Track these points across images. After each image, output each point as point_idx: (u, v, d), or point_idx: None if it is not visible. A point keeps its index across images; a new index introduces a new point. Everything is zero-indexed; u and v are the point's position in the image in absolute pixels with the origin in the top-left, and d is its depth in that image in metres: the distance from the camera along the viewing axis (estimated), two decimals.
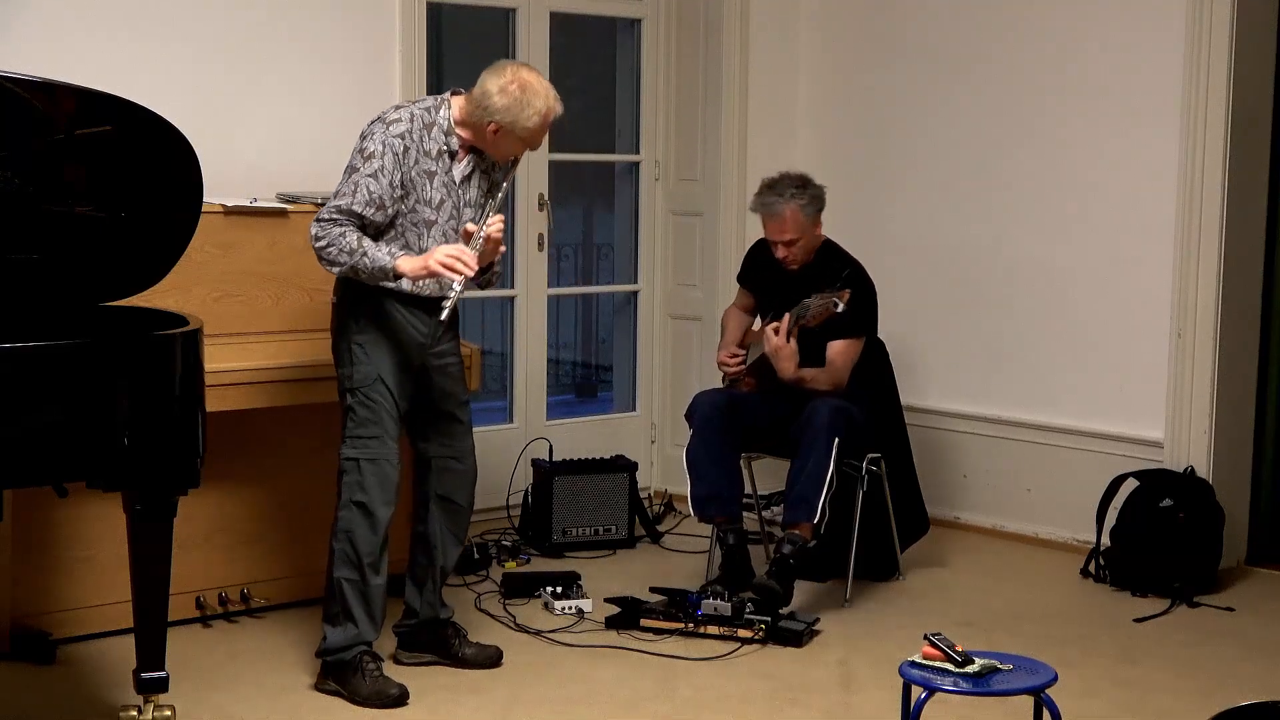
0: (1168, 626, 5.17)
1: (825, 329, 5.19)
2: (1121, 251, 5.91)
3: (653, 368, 6.98)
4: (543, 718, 4.31)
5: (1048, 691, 3.48)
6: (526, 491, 6.10)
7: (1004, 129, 6.21)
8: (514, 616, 5.09)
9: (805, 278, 5.31)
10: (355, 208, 4.23)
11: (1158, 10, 5.74)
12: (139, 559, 3.81)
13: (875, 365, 5.44)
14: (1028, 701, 3.55)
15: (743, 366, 5.49)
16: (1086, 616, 5.27)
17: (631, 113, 6.93)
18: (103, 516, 4.54)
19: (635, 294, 6.99)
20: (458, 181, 4.38)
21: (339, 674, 4.38)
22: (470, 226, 4.30)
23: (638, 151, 6.91)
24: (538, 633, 4.94)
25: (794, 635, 4.87)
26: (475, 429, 4.68)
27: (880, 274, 5.41)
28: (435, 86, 5.93)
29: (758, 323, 5.68)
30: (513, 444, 6.31)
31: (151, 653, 3.84)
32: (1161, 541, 5.45)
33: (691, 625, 4.92)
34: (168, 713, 3.87)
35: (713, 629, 4.91)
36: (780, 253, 5.31)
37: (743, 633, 4.88)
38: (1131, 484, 5.62)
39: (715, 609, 4.92)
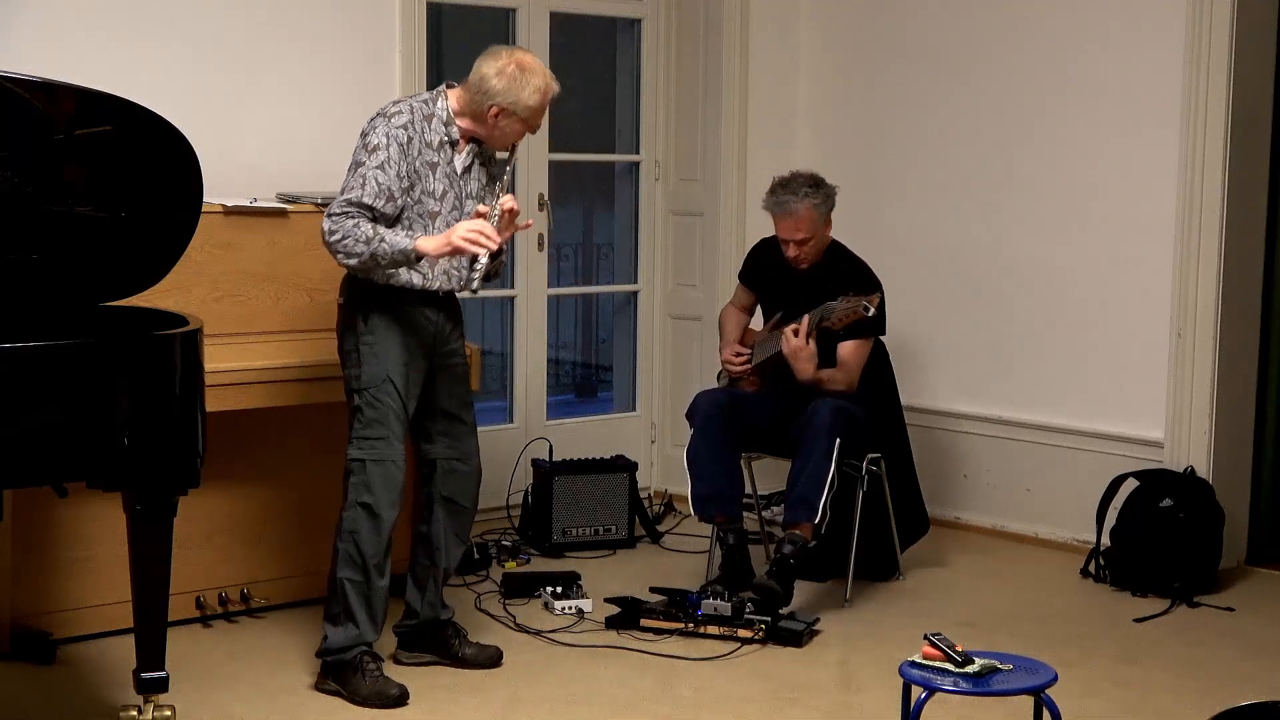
0: (1168, 626, 5.17)
1: (846, 331, 5.19)
2: (1121, 251, 5.91)
3: (653, 368, 6.98)
4: (543, 718, 4.31)
5: (1048, 691, 3.48)
6: (526, 491, 6.10)
7: (1004, 129, 6.22)
8: (514, 616, 5.09)
9: (813, 278, 5.31)
10: (366, 200, 4.23)
11: (1158, 10, 5.74)
12: (139, 559, 3.81)
13: (875, 365, 5.44)
14: (1028, 701, 3.55)
15: (747, 366, 5.49)
16: (1086, 616, 5.27)
17: (631, 113, 6.93)
18: (103, 516, 4.54)
19: (635, 294, 6.99)
20: (459, 172, 4.40)
21: (339, 674, 4.38)
22: (482, 207, 4.31)
23: (638, 151, 6.92)
24: (538, 633, 4.94)
25: (794, 635, 4.87)
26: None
27: (880, 274, 5.41)
28: (435, 86, 5.92)
29: (756, 322, 5.69)
30: (513, 444, 6.31)
31: (151, 653, 3.84)
32: (1161, 541, 5.45)
33: (691, 625, 4.92)
34: (168, 713, 3.87)
35: (713, 629, 4.91)
36: (791, 252, 5.31)
37: (743, 633, 4.88)
38: (1131, 484, 5.62)
39: (715, 609, 4.92)
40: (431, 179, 4.34)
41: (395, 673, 4.48)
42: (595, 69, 7.29)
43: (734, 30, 6.64)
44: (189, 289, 4.76)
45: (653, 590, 5.18)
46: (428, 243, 4.22)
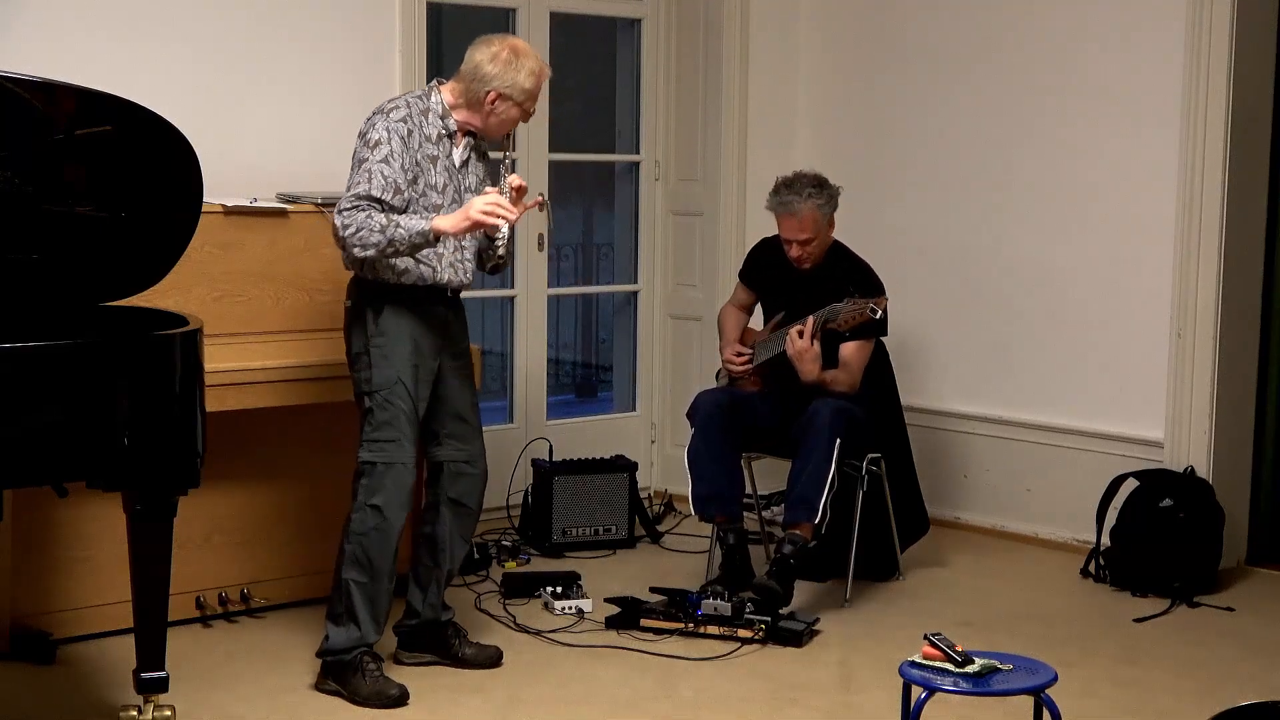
0: (1168, 626, 5.17)
1: (850, 333, 5.19)
2: (1121, 251, 5.91)
3: (653, 368, 6.98)
4: (543, 718, 4.31)
5: (1048, 691, 3.48)
6: (526, 491, 6.10)
7: (1004, 129, 6.21)
8: (514, 616, 5.09)
9: (815, 278, 5.31)
10: (375, 193, 4.23)
11: (1158, 10, 5.74)
12: (139, 559, 3.81)
13: (876, 365, 5.44)
14: (1028, 701, 3.55)
15: (749, 366, 5.49)
16: (1086, 616, 5.27)
17: (631, 113, 6.93)
18: (103, 516, 4.54)
19: (635, 294, 6.99)
20: (457, 166, 4.41)
21: (339, 674, 4.38)
22: (490, 188, 4.31)
23: (638, 151, 6.92)
24: (538, 633, 4.94)
25: (794, 635, 4.87)
26: None
27: (880, 274, 5.40)
28: None
29: (756, 321, 5.68)
30: (513, 444, 6.31)
31: (151, 653, 3.84)
32: (1161, 541, 5.45)
33: (691, 625, 4.92)
34: (168, 713, 3.87)
35: (713, 629, 4.91)
36: (795, 252, 5.31)
37: (743, 633, 4.88)
38: (1131, 484, 5.62)
39: (715, 609, 4.92)
40: (433, 172, 4.35)
41: (395, 673, 4.48)
42: (595, 69, 7.30)
43: (734, 30, 6.64)
44: (189, 289, 4.76)
45: (653, 590, 5.18)
46: (445, 221, 4.23)
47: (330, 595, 4.45)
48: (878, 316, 5.05)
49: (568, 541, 5.95)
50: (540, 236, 6.58)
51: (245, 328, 4.93)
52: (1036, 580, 5.70)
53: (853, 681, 4.61)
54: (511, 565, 5.69)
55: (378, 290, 4.36)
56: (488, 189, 4.33)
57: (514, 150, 4.46)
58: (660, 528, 6.25)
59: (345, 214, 4.21)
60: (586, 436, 6.66)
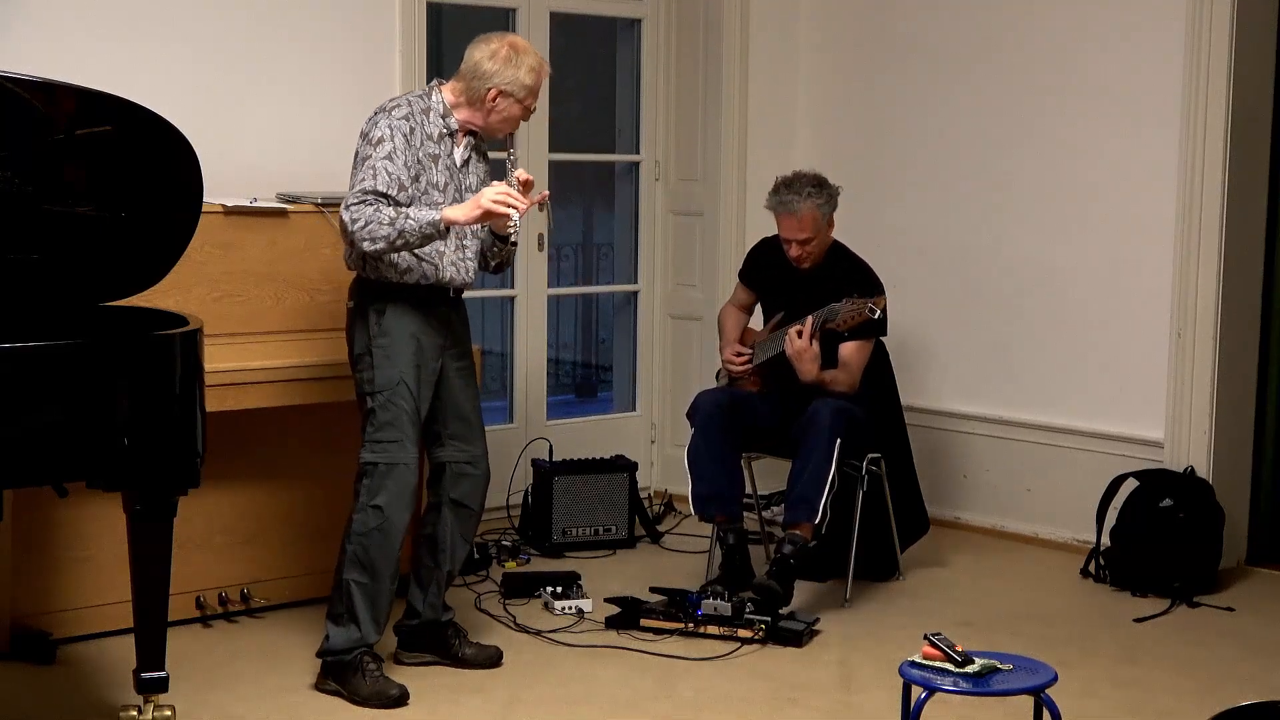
0: (1168, 626, 5.17)
1: (849, 332, 5.19)
2: (1121, 251, 5.91)
3: (653, 368, 6.98)
4: (543, 718, 4.31)
5: (1048, 691, 3.48)
6: (526, 491, 6.10)
7: (1004, 129, 6.22)
8: (514, 616, 5.09)
9: (815, 278, 5.31)
10: (380, 188, 4.23)
11: (1158, 10, 5.74)
12: (139, 559, 3.81)
13: (875, 365, 5.44)
14: (1028, 701, 3.55)
15: (749, 366, 5.49)
16: (1086, 616, 5.27)
17: (631, 113, 6.93)
18: (103, 516, 4.54)
19: (635, 294, 6.99)
20: (458, 165, 4.41)
21: (339, 674, 4.38)
22: (495, 184, 4.32)
23: (638, 151, 6.92)
24: (538, 633, 4.94)
25: (794, 635, 4.87)
26: None
27: (880, 274, 5.40)
28: None
29: (756, 321, 5.68)
30: (513, 444, 6.31)
31: (151, 653, 3.84)
32: (1161, 541, 5.45)
33: (691, 625, 4.92)
34: (168, 713, 3.87)
35: (713, 629, 4.91)
36: (794, 252, 5.31)
37: (743, 633, 4.88)
38: (1131, 484, 5.62)
39: (715, 609, 4.92)
40: (434, 171, 4.35)
41: (395, 673, 4.48)
42: (595, 69, 7.30)
43: (734, 30, 6.64)
44: (189, 289, 4.76)
45: (653, 590, 5.18)
46: (455, 211, 4.23)
47: (331, 595, 4.45)
48: (876, 316, 5.05)
49: (568, 541, 5.95)
50: (540, 236, 6.58)
51: (245, 328, 4.93)
52: (1036, 580, 5.70)
53: (853, 681, 4.61)
54: (511, 565, 5.69)
55: (380, 290, 4.36)
56: (493, 184, 4.33)
57: (515, 149, 4.47)
58: (660, 528, 6.25)
59: (353, 209, 4.21)
60: (586, 436, 6.66)
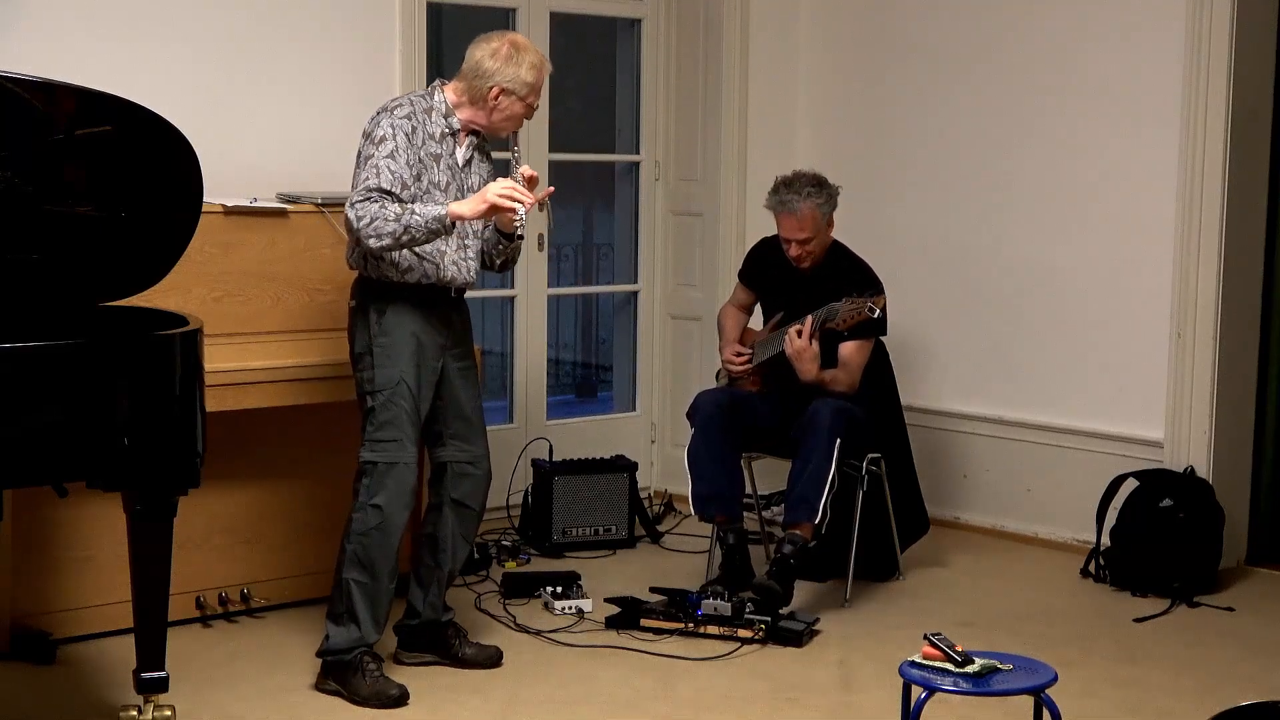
0: (1168, 626, 5.17)
1: (849, 332, 5.19)
2: (1121, 251, 5.91)
3: (653, 368, 6.98)
4: (543, 718, 4.31)
5: (1048, 691, 3.48)
6: (526, 491, 6.11)
7: (1004, 129, 6.22)
8: (514, 616, 5.09)
9: (816, 279, 5.32)
10: (384, 185, 4.23)
11: (1158, 10, 5.74)
12: (139, 559, 3.81)
13: (875, 365, 5.44)
14: (1028, 701, 3.55)
15: (748, 366, 5.49)
16: (1086, 616, 5.27)
17: (631, 113, 6.93)
18: (103, 516, 4.54)
19: (635, 294, 6.99)
20: (460, 165, 4.41)
21: (339, 674, 4.38)
22: (500, 179, 4.33)
23: (638, 151, 6.92)
24: (538, 633, 4.94)
25: (794, 635, 4.87)
26: None
27: (880, 274, 5.41)
28: None
29: (755, 321, 5.68)
30: (513, 444, 6.31)
31: (151, 653, 3.84)
32: (1161, 541, 5.45)
33: (691, 625, 4.92)
34: (168, 713, 3.86)
35: (713, 629, 4.91)
36: (794, 251, 5.32)
37: (743, 633, 4.88)
38: (1131, 484, 5.62)
39: (715, 609, 4.92)
40: (436, 170, 4.35)
41: (395, 673, 4.48)
42: (595, 69, 7.30)
43: (734, 30, 6.64)
44: (189, 289, 4.75)
45: (653, 590, 5.18)
46: (461, 206, 4.24)
47: (331, 595, 4.46)
48: (876, 315, 5.06)
49: (568, 541, 5.95)
50: (540, 236, 6.58)
51: (245, 328, 4.93)
52: (1036, 580, 5.70)
53: (853, 681, 4.61)
54: (511, 565, 5.69)
55: (381, 290, 4.36)
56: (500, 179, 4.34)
57: (518, 146, 4.47)
58: (660, 528, 6.25)
59: (358, 206, 4.20)
60: (586, 436, 6.66)
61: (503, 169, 4.50)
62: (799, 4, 6.83)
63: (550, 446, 6.18)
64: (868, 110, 6.65)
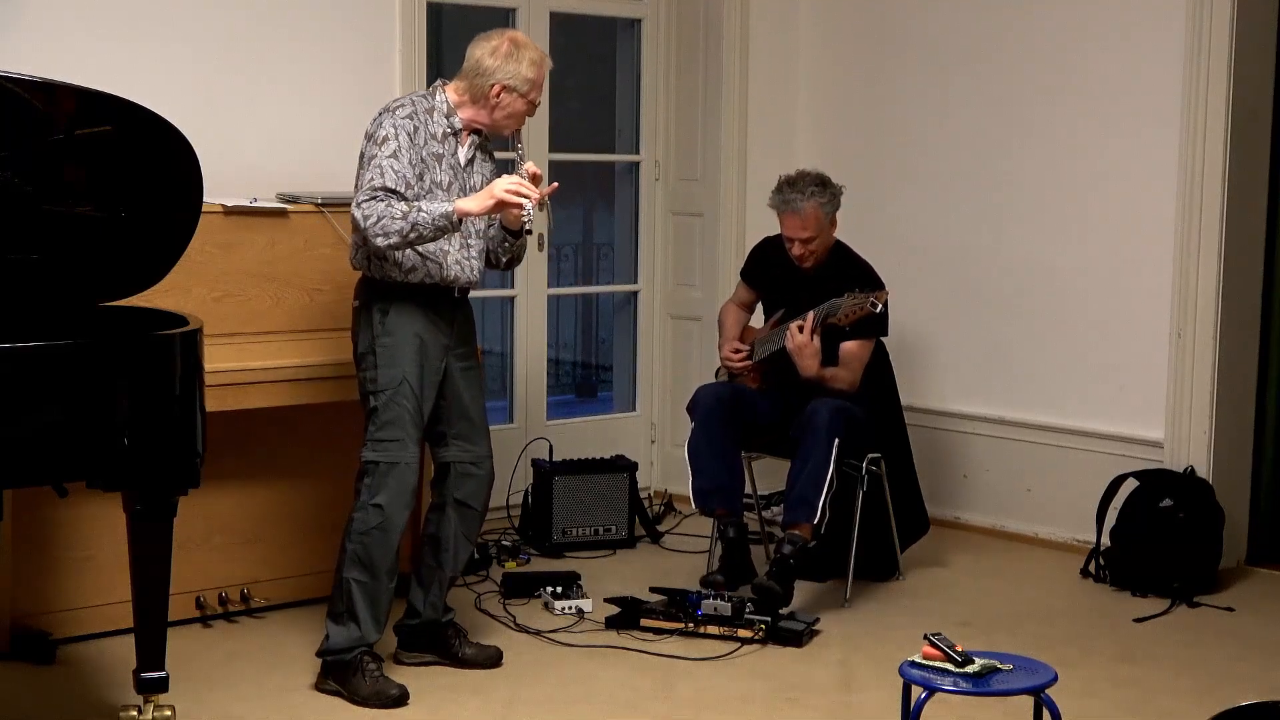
0: (1168, 626, 5.17)
1: (851, 329, 5.19)
2: (1121, 251, 5.91)
3: (653, 368, 6.98)
4: (543, 718, 4.31)
5: (1048, 691, 3.48)
6: (526, 491, 6.11)
7: (1004, 129, 6.22)
8: (514, 616, 5.09)
9: (818, 278, 5.32)
10: (389, 184, 4.23)
11: (1158, 10, 5.74)
12: (139, 559, 3.81)
13: (875, 365, 5.44)
14: (1028, 701, 3.55)
15: (747, 362, 5.49)
16: (1086, 616, 5.27)
17: (631, 113, 6.93)
18: (103, 516, 4.54)
19: (635, 294, 6.99)
20: (462, 164, 4.41)
21: (339, 674, 4.38)
22: (506, 176, 4.34)
23: (638, 151, 6.92)
24: (538, 633, 4.94)
25: (794, 635, 4.87)
26: None
27: (880, 273, 5.41)
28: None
29: (755, 320, 5.69)
30: (513, 444, 6.31)
31: (151, 653, 3.84)
32: (1161, 541, 5.45)
33: (691, 625, 4.92)
34: (168, 713, 3.86)
35: (713, 629, 4.91)
36: (797, 250, 5.32)
37: (743, 633, 4.88)
38: (1131, 484, 5.62)
39: (715, 609, 4.92)
40: (438, 170, 4.36)
41: (395, 673, 4.48)
42: (595, 69, 7.30)
43: (734, 30, 6.65)
44: (189, 289, 4.76)
45: (653, 590, 5.18)
46: (468, 202, 4.24)
47: (331, 594, 4.46)
48: (878, 311, 5.06)
49: (568, 541, 5.95)
50: (540, 236, 6.58)
51: (245, 328, 4.93)
52: (1036, 580, 5.70)
53: (853, 681, 4.61)
54: (511, 565, 5.69)
55: (385, 290, 4.37)
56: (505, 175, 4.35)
57: (522, 144, 4.48)
58: (660, 527, 6.25)
59: (364, 205, 4.21)
60: (586, 436, 6.67)
61: (504, 168, 4.50)
62: (799, 4, 6.83)
63: (550, 446, 6.18)
64: (868, 110, 6.65)
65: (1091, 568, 5.66)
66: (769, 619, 4.90)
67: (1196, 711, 4.15)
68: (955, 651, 3.49)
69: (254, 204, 5.01)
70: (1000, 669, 3.51)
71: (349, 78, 5.70)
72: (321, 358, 4.90)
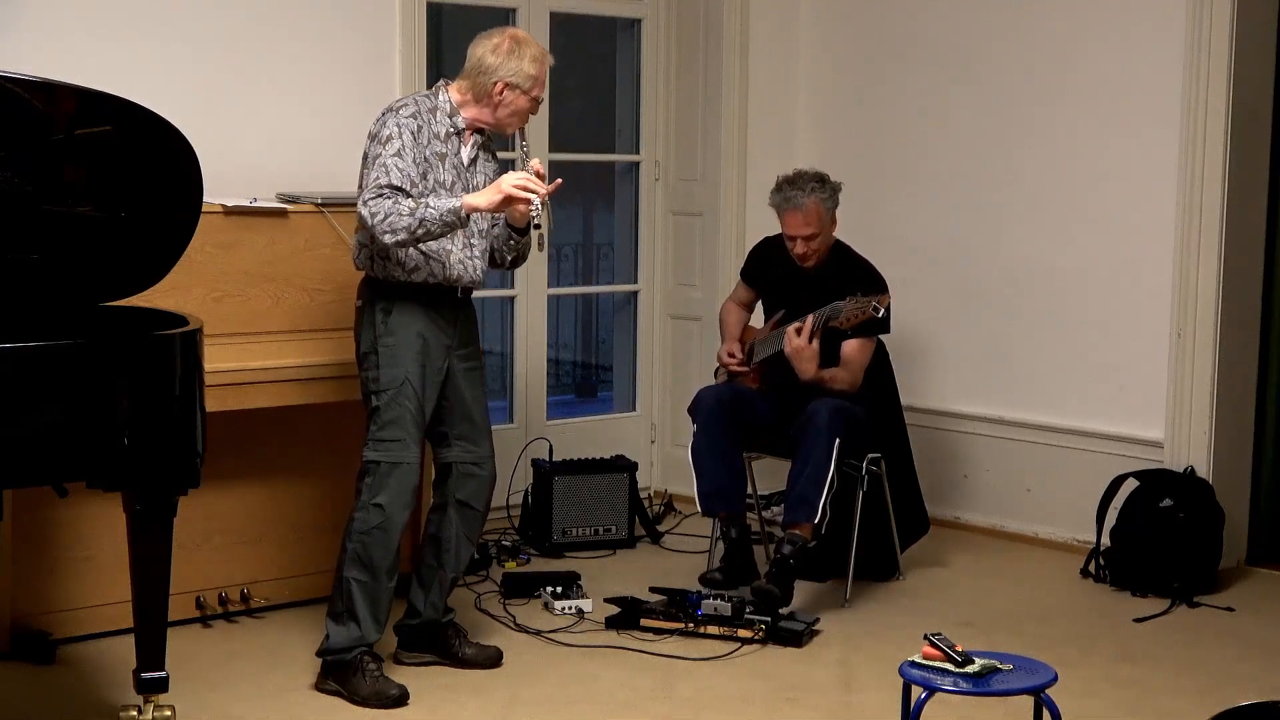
0: (1168, 626, 5.17)
1: (852, 331, 5.19)
2: (1121, 251, 5.91)
3: (653, 368, 6.98)
4: (543, 718, 4.31)
5: (1048, 691, 3.48)
6: (526, 491, 6.11)
7: (1004, 129, 6.22)
8: (514, 616, 5.09)
9: (819, 278, 5.32)
10: (394, 182, 4.23)
11: (1158, 10, 5.74)
12: (139, 559, 3.81)
13: (875, 365, 5.44)
14: (1028, 701, 3.55)
15: (744, 368, 5.49)
16: (1086, 616, 5.27)
17: (631, 113, 6.93)
18: (103, 516, 4.54)
19: (635, 294, 6.99)
20: (466, 164, 4.41)
21: (339, 674, 4.38)
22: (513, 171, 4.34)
23: (638, 151, 6.91)
24: (538, 633, 4.94)
25: (794, 635, 4.87)
26: None
27: (880, 273, 5.41)
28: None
29: (756, 320, 5.68)
30: (513, 444, 6.30)
31: (151, 653, 3.84)
32: (1161, 541, 5.45)
33: (691, 625, 4.92)
34: (168, 713, 3.86)
35: (713, 629, 4.91)
36: (799, 249, 5.31)
37: (743, 633, 4.88)
38: (1131, 484, 5.62)
39: (715, 609, 4.92)
40: (441, 169, 4.36)
41: (395, 673, 4.48)
42: (595, 69, 7.30)
43: (734, 30, 6.64)
44: (189, 289, 4.76)
45: (653, 590, 5.18)
46: (476, 197, 4.24)
47: (331, 594, 4.46)
48: (880, 315, 5.06)
49: (568, 541, 5.95)
50: (540, 236, 6.56)
51: (245, 328, 4.93)
52: (1036, 580, 5.70)
53: (853, 681, 4.61)
54: (511, 565, 5.69)
55: (387, 289, 4.37)
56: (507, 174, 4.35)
57: (526, 141, 4.48)
58: (660, 528, 6.25)
59: (371, 203, 4.20)
60: (586, 436, 6.66)
61: (507, 168, 4.50)
62: (799, 4, 6.83)
63: (550, 446, 6.18)
64: (868, 110, 6.65)
65: (1091, 568, 5.66)
66: (769, 619, 4.90)
67: (1196, 711, 4.15)
68: (955, 651, 3.49)
69: (254, 204, 5.01)
70: (1000, 669, 3.51)
71: (349, 78, 5.70)
72: (321, 358, 4.90)
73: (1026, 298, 6.19)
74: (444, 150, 4.37)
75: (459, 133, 4.41)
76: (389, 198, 4.20)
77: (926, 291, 6.39)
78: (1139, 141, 5.84)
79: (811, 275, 5.35)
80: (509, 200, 4.24)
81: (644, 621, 4.97)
